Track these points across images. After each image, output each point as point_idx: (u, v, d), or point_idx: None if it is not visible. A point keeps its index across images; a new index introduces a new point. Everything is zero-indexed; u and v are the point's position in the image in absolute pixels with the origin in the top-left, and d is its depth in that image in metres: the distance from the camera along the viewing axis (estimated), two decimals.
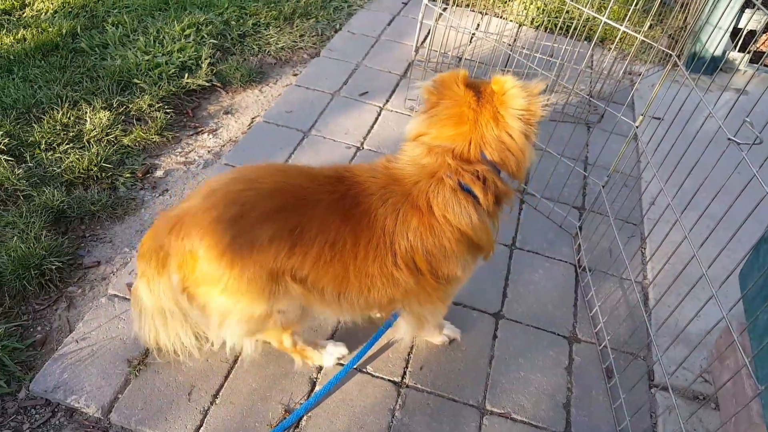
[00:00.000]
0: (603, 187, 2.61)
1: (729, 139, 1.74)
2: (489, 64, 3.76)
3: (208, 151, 2.99)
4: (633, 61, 4.21)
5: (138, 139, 2.93)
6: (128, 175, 2.74)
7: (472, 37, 4.05)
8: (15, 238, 2.29)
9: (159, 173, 2.82)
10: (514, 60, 3.65)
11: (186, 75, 3.37)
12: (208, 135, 3.11)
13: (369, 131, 3.22)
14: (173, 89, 3.26)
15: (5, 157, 2.62)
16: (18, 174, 2.55)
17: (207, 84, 3.40)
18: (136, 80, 3.23)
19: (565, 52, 3.43)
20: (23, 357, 2.02)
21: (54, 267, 2.23)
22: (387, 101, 3.47)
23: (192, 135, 3.09)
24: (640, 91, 3.87)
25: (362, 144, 3.13)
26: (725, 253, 1.67)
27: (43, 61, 3.27)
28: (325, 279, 1.60)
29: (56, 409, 1.91)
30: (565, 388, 2.17)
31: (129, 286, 2.26)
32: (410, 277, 1.66)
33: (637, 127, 2.43)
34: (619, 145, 2.70)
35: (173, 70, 3.38)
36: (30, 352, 2.05)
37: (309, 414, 1.95)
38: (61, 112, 2.90)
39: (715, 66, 4.03)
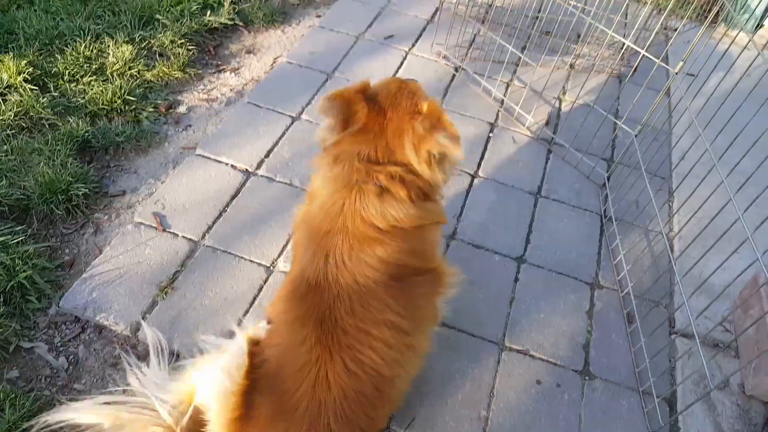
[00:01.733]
0: (636, 136, 2.65)
1: None
2: (521, 12, 3.76)
3: (231, 90, 3.07)
4: (669, 16, 4.18)
5: (160, 75, 3.01)
6: (151, 109, 2.83)
7: None
8: (42, 164, 2.40)
9: (182, 109, 2.90)
10: (547, 7, 3.65)
11: (208, 13, 3.42)
12: (231, 73, 3.18)
13: (394, 75, 3.27)
14: (195, 26, 3.31)
15: (30, 86, 2.71)
16: (43, 103, 2.64)
17: (229, 23, 3.45)
18: (158, 16, 3.29)
19: (600, 1, 3.42)
20: (52, 276, 2.15)
21: (81, 193, 2.35)
22: (413, 45, 3.50)
23: (214, 73, 3.17)
24: (675, 47, 3.86)
25: None
26: (753, 210, 1.74)
27: None
28: None
29: (85, 326, 2.05)
30: (585, 331, 2.27)
31: (155, 215, 2.37)
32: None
33: (676, 73, 2.46)
34: (650, 100, 2.73)
35: (195, 7, 3.43)
36: (59, 272, 2.18)
37: None
38: (83, 45, 2.98)
39: (755, 23, 4.00)
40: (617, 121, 2.79)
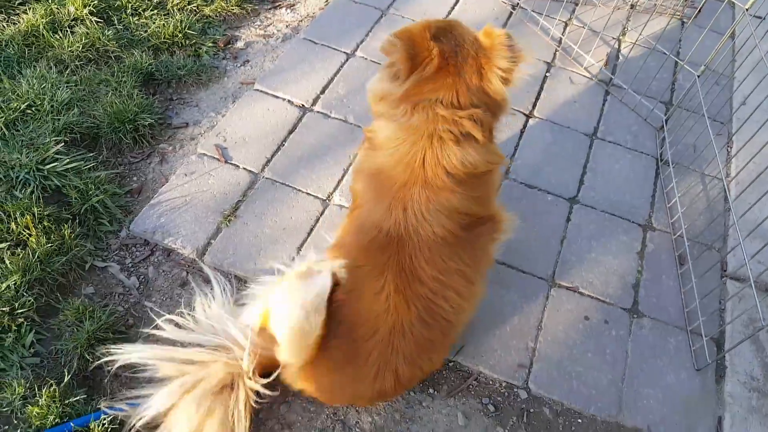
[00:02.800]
0: (698, 76, 2.46)
1: None
2: None
3: (287, 26, 2.97)
4: None
5: (218, 10, 2.93)
6: (210, 44, 2.78)
7: None
8: (110, 94, 2.40)
9: (239, 44, 2.84)
10: None
11: None
12: (286, 9, 3.07)
13: (450, 12, 3.10)
14: None
15: (95, 18, 2.69)
16: (108, 35, 2.62)
17: None
18: None
19: None
20: (122, 202, 2.19)
21: (147, 123, 2.35)
22: None
23: (270, 9, 3.07)
24: None
25: None
26: None
27: None
28: None
29: (154, 249, 2.09)
30: (636, 271, 2.19)
31: (217, 147, 2.36)
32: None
33: (747, 9, 2.24)
34: (714, 43, 2.52)
35: None
36: (128, 198, 2.21)
37: None
38: None
39: None
40: (680, 61, 2.59)
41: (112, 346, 1.62)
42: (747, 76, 2.46)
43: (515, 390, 1.89)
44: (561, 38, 2.99)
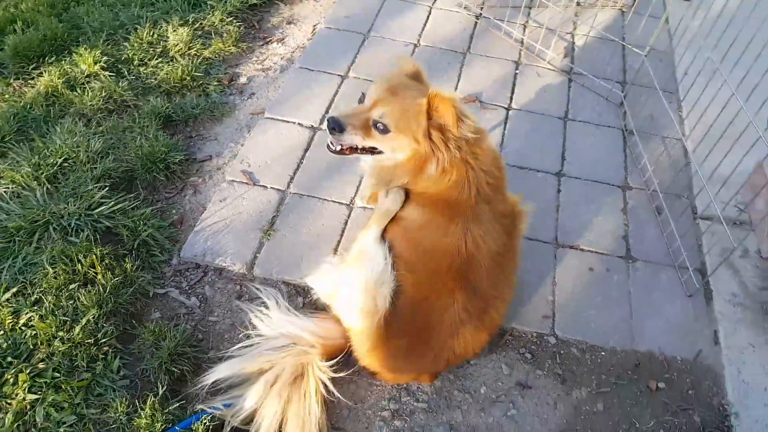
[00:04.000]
0: (646, 56, 2.70)
1: None
2: None
3: (281, 58, 3.09)
4: None
5: (217, 51, 3.02)
6: (216, 83, 2.87)
7: None
8: (137, 139, 2.47)
9: (242, 80, 2.94)
10: None
11: None
12: (277, 44, 3.19)
13: (423, 29, 3.27)
14: (237, 5, 3.28)
15: (107, 73, 2.75)
16: (123, 86, 2.69)
17: None
18: None
19: None
20: (168, 233, 2.26)
21: (177, 160, 2.43)
22: (435, 0, 3.49)
23: (262, 45, 3.18)
24: None
25: (418, 41, 3.20)
26: (751, 111, 1.88)
27: None
28: None
29: (206, 270, 2.17)
30: (623, 225, 2.39)
31: (244, 173, 2.46)
32: None
33: None
34: (652, 27, 2.78)
35: None
36: (171, 229, 2.28)
37: None
38: (144, 31, 2.98)
39: None
40: (628, 45, 2.82)
41: (209, 371, 1.76)
42: (685, 51, 2.71)
43: (545, 338, 2.06)
44: (523, 39, 3.19)
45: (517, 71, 3.05)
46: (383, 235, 1.83)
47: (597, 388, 1.96)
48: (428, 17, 3.35)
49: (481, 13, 3.34)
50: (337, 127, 1.70)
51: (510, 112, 2.83)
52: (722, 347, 2.05)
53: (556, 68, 3.07)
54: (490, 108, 2.85)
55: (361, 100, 1.73)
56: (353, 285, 1.70)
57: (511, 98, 2.90)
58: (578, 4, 3.44)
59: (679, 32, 2.93)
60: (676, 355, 2.04)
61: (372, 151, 1.77)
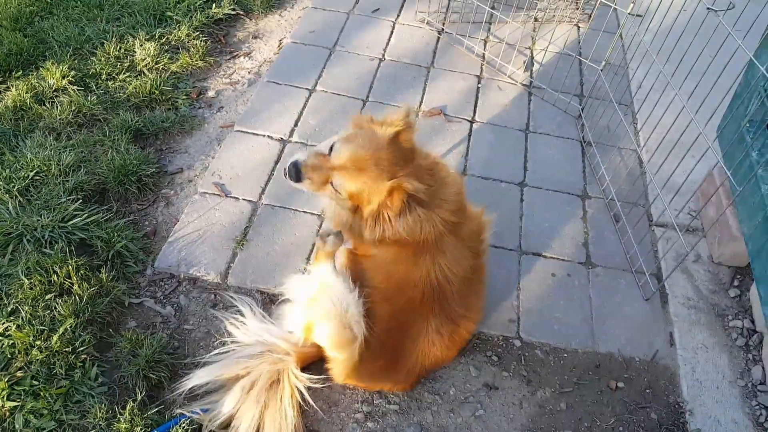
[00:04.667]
0: (601, 70, 2.99)
1: (708, 8, 2.14)
2: None
3: (249, 72, 3.27)
4: None
5: (185, 65, 3.18)
6: (184, 96, 3.02)
7: None
8: (109, 151, 2.60)
9: (211, 93, 3.10)
10: None
11: (213, 6, 3.57)
12: (244, 58, 3.37)
13: (387, 43, 3.51)
14: (203, 19, 3.46)
15: (75, 87, 2.87)
16: (92, 101, 2.81)
17: (232, 12, 3.60)
18: (169, 13, 3.43)
19: None
20: (141, 245, 2.38)
21: (149, 173, 2.56)
22: (398, 16, 3.73)
23: (230, 59, 3.35)
24: None
25: (383, 56, 3.43)
26: (701, 121, 2.16)
27: (79, 1, 3.42)
28: None
29: (180, 280, 2.31)
30: (583, 232, 2.64)
31: (215, 185, 2.61)
32: None
33: (628, 14, 2.79)
34: (607, 42, 3.08)
35: (199, 2, 3.56)
36: (145, 240, 2.41)
37: None
38: (111, 46, 3.12)
39: None
40: (585, 60, 3.12)
41: (187, 377, 1.90)
42: (639, 65, 3.01)
43: (510, 340, 2.26)
44: (484, 54, 3.46)
45: (479, 85, 3.31)
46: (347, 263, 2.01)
47: (560, 388, 2.16)
48: (392, 32, 3.59)
49: (443, 29, 3.60)
50: (294, 176, 1.80)
51: (474, 125, 3.07)
52: (677, 348, 2.28)
53: (516, 82, 3.34)
54: (454, 121, 3.09)
55: (331, 149, 1.79)
56: (325, 320, 1.84)
57: (475, 111, 3.14)
58: (536, 20, 3.74)
59: (633, 47, 3.24)
60: (635, 355, 2.26)
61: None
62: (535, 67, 3.44)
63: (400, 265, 1.89)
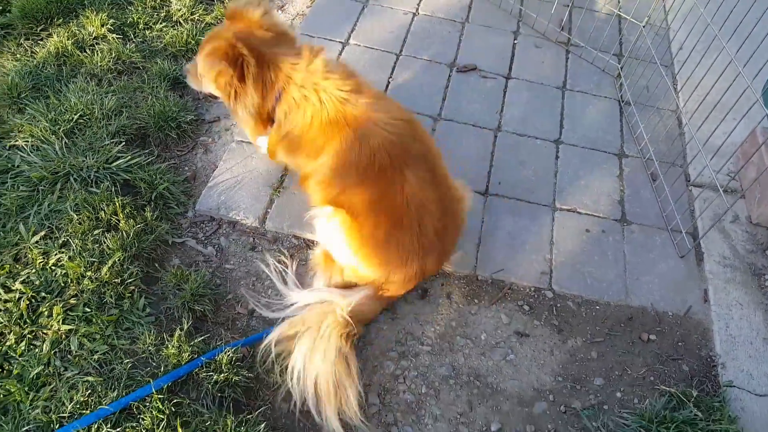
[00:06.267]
0: (643, 27, 2.98)
1: None
2: None
3: None
4: None
5: (218, 17, 3.24)
6: None
7: None
8: (149, 97, 2.69)
9: None
10: None
11: None
12: (277, 11, 3.41)
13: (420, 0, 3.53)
14: None
15: (114, 35, 2.95)
16: (130, 48, 2.90)
17: None
18: None
19: None
20: (181, 188, 2.48)
21: (188, 120, 2.65)
22: None
23: None
24: None
25: (417, 10, 3.45)
26: (743, 83, 2.15)
27: None
28: None
29: (220, 223, 2.41)
30: (619, 190, 2.67)
31: None
32: None
33: None
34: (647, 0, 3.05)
35: None
36: (186, 184, 2.51)
37: None
38: None
39: None
40: (627, 16, 3.10)
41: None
42: (681, 25, 2.99)
43: (542, 291, 2.33)
44: (521, 10, 3.46)
45: (515, 41, 3.32)
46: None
47: (591, 338, 2.23)
48: None
49: None
50: (182, 75, 2.16)
51: (509, 81, 3.10)
52: (711, 304, 2.33)
53: (553, 39, 3.34)
54: (489, 77, 3.11)
55: None
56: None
57: (510, 68, 3.16)
58: None
59: (676, 5, 3.21)
60: (668, 310, 2.32)
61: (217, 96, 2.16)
62: (573, 24, 3.43)
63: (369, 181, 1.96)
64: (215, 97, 2.22)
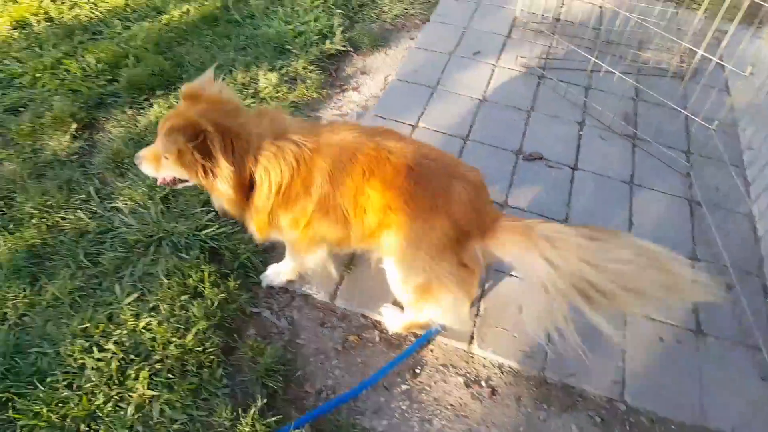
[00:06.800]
0: (714, 131, 3.03)
1: None
2: (585, 24, 4.13)
3: (357, 105, 3.52)
4: (720, 20, 4.52)
5: (300, 96, 3.47)
6: None
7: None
8: None
9: (323, 123, 3.36)
10: (605, 19, 4.05)
11: (326, 41, 3.88)
12: (353, 92, 3.63)
13: (487, 85, 3.69)
14: (317, 53, 3.77)
15: None
16: None
17: (342, 48, 3.90)
18: (288, 46, 3.76)
19: (656, 12, 3.82)
20: (261, 258, 2.60)
21: None
22: (498, 59, 3.92)
23: (339, 92, 3.62)
24: (728, 48, 4.19)
25: (484, 97, 3.61)
26: None
27: (210, 31, 3.82)
28: None
29: (294, 295, 2.50)
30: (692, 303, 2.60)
31: None
32: None
33: (750, 74, 2.83)
34: (709, 96, 3.10)
35: (314, 37, 3.89)
36: (264, 254, 2.63)
37: None
38: (238, 74, 3.45)
39: None
40: (695, 118, 3.15)
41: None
42: (748, 125, 3.02)
43: (614, 403, 2.26)
44: (585, 101, 3.57)
45: (581, 132, 3.41)
46: None
47: None
48: (492, 75, 3.77)
49: (543, 74, 3.75)
50: (136, 162, 2.03)
51: (576, 172, 3.17)
52: None
53: (619, 132, 3.42)
54: (555, 167, 3.19)
55: None
56: None
57: (577, 158, 3.24)
58: (638, 71, 3.82)
59: (743, 105, 3.25)
60: None
61: (182, 180, 2.04)
62: (638, 118, 3.51)
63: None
64: (182, 181, 2.06)
